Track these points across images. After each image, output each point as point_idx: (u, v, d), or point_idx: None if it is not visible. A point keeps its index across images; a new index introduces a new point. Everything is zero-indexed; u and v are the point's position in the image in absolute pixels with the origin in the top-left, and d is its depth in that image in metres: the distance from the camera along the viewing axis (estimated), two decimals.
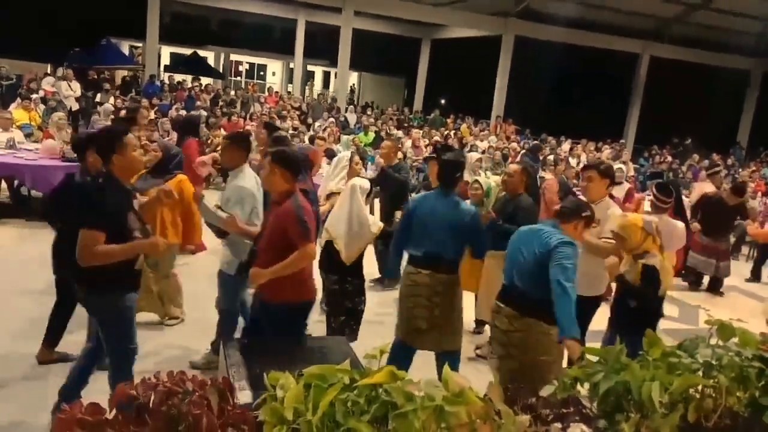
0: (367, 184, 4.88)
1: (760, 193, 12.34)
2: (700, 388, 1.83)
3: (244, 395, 2.34)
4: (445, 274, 4.02)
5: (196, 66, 24.68)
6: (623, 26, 20.63)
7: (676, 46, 21.38)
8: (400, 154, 8.22)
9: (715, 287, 8.20)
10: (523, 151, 13.69)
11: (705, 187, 8.98)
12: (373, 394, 1.45)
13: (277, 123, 14.14)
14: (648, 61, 22.03)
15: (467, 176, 6.64)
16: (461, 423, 1.44)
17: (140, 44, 23.80)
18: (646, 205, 6.60)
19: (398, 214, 5.72)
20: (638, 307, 3.98)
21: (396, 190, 6.56)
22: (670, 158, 17.68)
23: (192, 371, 3.17)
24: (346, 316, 4.78)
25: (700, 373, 1.86)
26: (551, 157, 12.19)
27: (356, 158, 5.25)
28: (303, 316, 3.76)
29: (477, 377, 3.76)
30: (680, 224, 5.23)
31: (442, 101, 27.88)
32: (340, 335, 4.57)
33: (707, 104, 23.89)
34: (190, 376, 1.59)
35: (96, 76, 17.00)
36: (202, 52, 27.67)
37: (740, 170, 16.44)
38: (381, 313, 5.75)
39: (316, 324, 5.05)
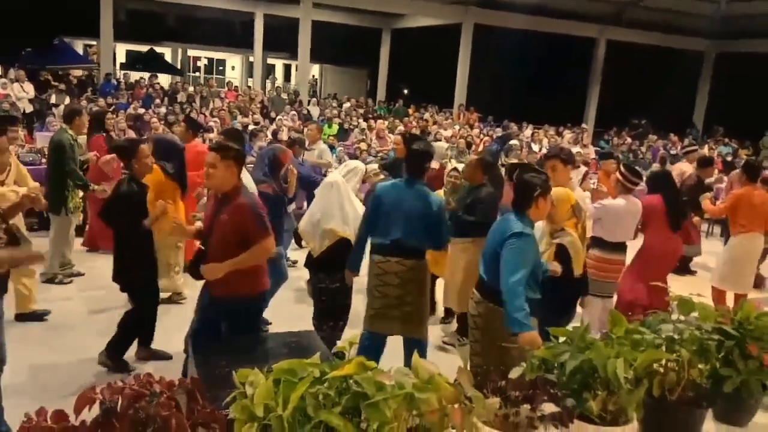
0: (342, 178, 4.87)
1: (717, 170, 12.66)
2: (663, 362, 1.88)
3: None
4: (413, 260, 4.08)
5: (153, 63, 24.19)
6: (580, 11, 20.89)
7: (632, 29, 21.73)
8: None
9: (686, 267, 8.35)
10: (492, 138, 13.83)
11: (683, 167, 9.17)
12: (344, 386, 1.45)
13: (239, 118, 14.02)
14: (605, 45, 22.36)
15: (433, 164, 6.70)
16: (432, 409, 1.45)
17: (94, 43, 23.24)
18: (593, 183, 6.68)
19: None
20: (555, 287, 3.85)
21: None
22: (629, 140, 18.00)
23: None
24: (330, 314, 4.69)
25: (663, 348, 1.91)
26: (516, 143, 12.27)
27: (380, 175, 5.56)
28: (258, 309, 3.79)
29: (445, 363, 3.80)
30: (639, 203, 5.33)
31: (405, 91, 27.86)
32: (331, 336, 4.53)
33: (664, 86, 24.35)
34: (158, 379, 1.57)
35: (49, 77, 16.55)
36: (158, 49, 27.14)
37: (697, 149, 16.81)
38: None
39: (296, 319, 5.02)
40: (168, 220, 4.25)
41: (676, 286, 2.82)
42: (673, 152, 16.18)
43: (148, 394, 1.48)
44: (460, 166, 5.63)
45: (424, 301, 4.19)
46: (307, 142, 8.23)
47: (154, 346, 4.76)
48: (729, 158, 15.70)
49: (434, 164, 7.35)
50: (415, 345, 4.07)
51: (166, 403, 1.45)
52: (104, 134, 7.41)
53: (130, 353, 4.66)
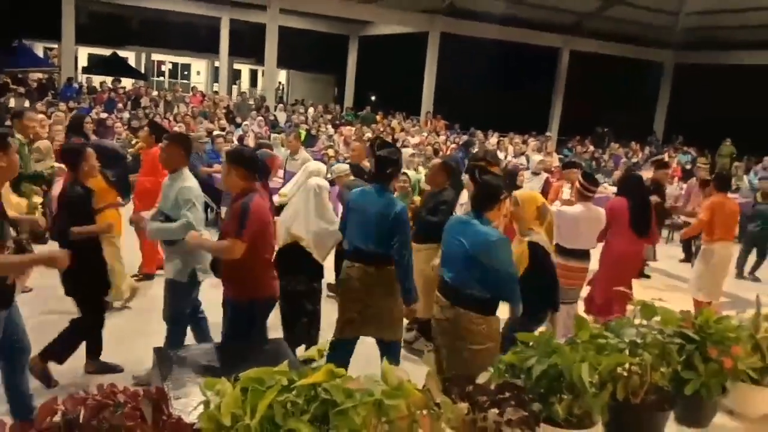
0: (327, 184, 4.84)
1: (676, 179, 12.99)
2: (627, 366, 1.91)
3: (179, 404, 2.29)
4: (374, 267, 4.05)
5: (116, 67, 23.74)
6: (545, 21, 21.26)
7: (595, 39, 22.20)
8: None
9: (642, 271, 8.52)
10: (455, 145, 13.97)
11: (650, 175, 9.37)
12: (312, 394, 1.45)
13: (204, 123, 13.87)
14: (568, 55, 22.78)
15: None
16: (401, 415, 1.45)
17: (55, 45, 22.76)
18: (566, 193, 6.75)
19: None
20: (531, 282, 3.90)
21: None
22: (591, 148, 18.35)
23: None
24: (300, 322, 4.65)
25: (627, 352, 1.95)
26: (480, 152, 12.39)
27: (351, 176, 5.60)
28: (262, 313, 3.88)
29: (413, 369, 3.80)
30: (602, 210, 5.42)
31: (373, 98, 27.93)
32: (300, 342, 4.49)
33: (625, 95, 24.94)
34: (122, 389, 1.54)
35: (8, 80, 16.14)
36: (122, 53, 26.66)
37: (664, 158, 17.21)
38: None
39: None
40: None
41: (638, 290, 2.89)
42: (634, 160, 16.56)
43: (112, 404, 1.45)
44: (411, 173, 5.70)
45: (392, 302, 4.14)
46: (289, 152, 8.29)
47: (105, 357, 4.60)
48: (688, 166, 16.14)
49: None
50: (386, 347, 4.12)
51: (131, 414, 1.42)
52: (83, 139, 7.24)
53: (76, 365, 4.49)
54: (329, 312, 4.74)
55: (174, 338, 4.31)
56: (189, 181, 4.21)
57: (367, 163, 6.91)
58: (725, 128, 20.20)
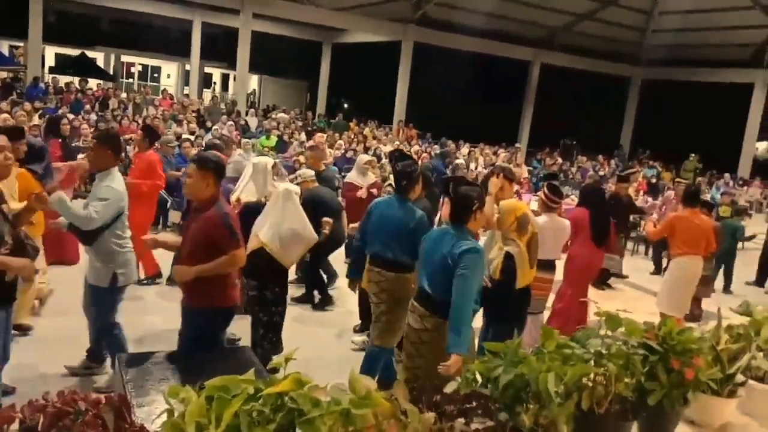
0: (298, 189, 4.85)
1: (642, 192, 13.26)
2: (592, 376, 1.93)
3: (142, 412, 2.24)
4: (392, 272, 4.24)
5: (84, 67, 23.34)
6: (516, 34, 21.56)
7: (565, 53, 22.59)
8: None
9: (604, 281, 8.66)
10: (431, 155, 14.07)
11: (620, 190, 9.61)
12: (279, 403, 1.43)
13: (173, 127, 13.70)
14: (539, 67, 23.12)
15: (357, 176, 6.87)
16: (368, 425, 1.45)
17: (21, 44, 22.28)
18: (533, 205, 6.85)
19: (325, 223, 5.59)
20: (500, 295, 4.06)
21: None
22: (560, 160, 18.63)
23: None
24: (264, 329, 4.64)
25: (592, 362, 1.97)
26: (462, 162, 12.47)
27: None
28: (224, 323, 3.79)
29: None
30: (567, 222, 5.50)
31: (345, 105, 27.94)
32: (261, 348, 4.48)
33: (593, 109, 25.43)
34: (83, 395, 1.50)
35: None
36: (91, 53, 26.21)
37: (636, 171, 17.56)
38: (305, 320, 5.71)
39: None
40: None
41: (605, 303, 2.93)
42: (601, 173, 16.86)
43: (72, 412, 1.41)
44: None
45: (397, 312, 4.24)
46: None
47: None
48: (653, 180, 16.49)
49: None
50: (373, 352, 4.26)
51: (92, 422, 1.39)
52: (60, 140, 7.07)
53: (38, 371, 4.35)
54: (294, 324, 4.71)
55: (110, 344, 4.21)
56: (115, 182, 4.08)
57: (323, 166, 7.03)
58: (690, 143, 20.71)
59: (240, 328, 4.93)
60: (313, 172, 6.28)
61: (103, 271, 4.04)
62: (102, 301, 4.13)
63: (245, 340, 4.91)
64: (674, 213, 6.56)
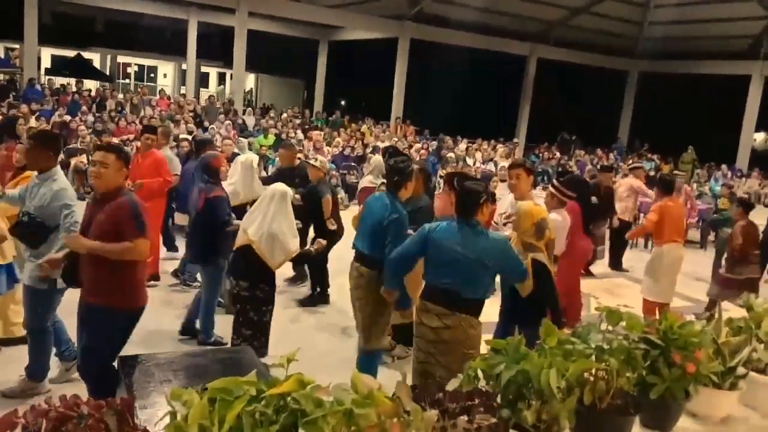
0: (288, 189, 4.77)
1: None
2: (593, 371, 1.94)
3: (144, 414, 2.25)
4: (367, 268, 4.22)
5: (80, 68, 23.34)
6: (512, 29, 21.52)
7: (562, 48, 22.56)
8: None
9: (587, 270, 8.68)
10: (429, 152, 14.10)
11: (630, 182, 9.85)
12: (282, 404, 1.43)
13: (171, 126, 13.67)
14: (536, 62, 23.09)
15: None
16: (371, 424, 1.45)
17: (17, 46, 22.23)
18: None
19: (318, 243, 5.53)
20: (536, 300, 3.94)
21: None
22: (558, 154, 18.62)
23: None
24: (254, 329, 4.57)
25: (593, 357, 1.97)
26: (452, 156, 12.48)
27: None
28: (131, 324, 3.59)
29: (388, 376, 3.80)
30: (568, 217, 5.51)
31: (342, 103, 27.92)
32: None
33: (591, 103, 25.43)
34: (85, 399, 1.50)
35: None
36: (87, 54, 26.20)
37: (621, 164, 17.55)
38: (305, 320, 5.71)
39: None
40: None
41: (605, 297, 2.93)
42: (599, 167, 16.85)
43: (75, 416, 1.41)
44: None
45: (375, 310, 4.18)
46: None
47: None
48: (651, 173, 16.48)
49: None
50: (362, 355, 4.22)
51: (95, 426, 1.39)
52: (15, 141, 7.05)
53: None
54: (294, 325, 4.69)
55: (36, 349, 4.09)
56: (61, 182, 3.96)
57: (296, 161, 6.95)
58: (688, 136, 20.72)
59: (225, 330, 4.86)
60: (326, 160, 6.27)
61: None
62: (39, 302, 3.98)
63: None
64: (657, 203, 6.57)
